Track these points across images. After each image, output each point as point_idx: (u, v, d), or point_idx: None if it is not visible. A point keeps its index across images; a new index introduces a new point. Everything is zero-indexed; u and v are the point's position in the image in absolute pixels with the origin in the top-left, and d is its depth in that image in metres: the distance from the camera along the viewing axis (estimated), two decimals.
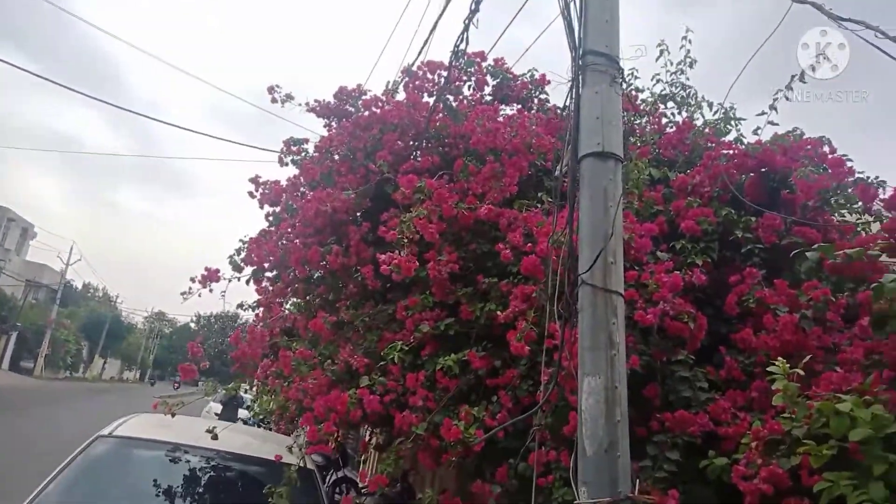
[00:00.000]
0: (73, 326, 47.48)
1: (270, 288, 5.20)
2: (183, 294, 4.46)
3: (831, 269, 2.73)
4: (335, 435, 8.47)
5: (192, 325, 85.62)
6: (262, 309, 5.31)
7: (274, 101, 5.15)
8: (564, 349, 2.36)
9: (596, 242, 2.05)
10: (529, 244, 3.30)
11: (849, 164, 3.32)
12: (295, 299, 5.31)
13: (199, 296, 4.45)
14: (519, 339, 2.89)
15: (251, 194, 5.22)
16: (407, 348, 3.68)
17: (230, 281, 4.69)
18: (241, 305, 5.39)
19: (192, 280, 4.45)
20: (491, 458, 3.60)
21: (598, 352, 2.02)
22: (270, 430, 7.40)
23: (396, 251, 3.70)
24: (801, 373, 2.24)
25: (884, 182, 3.21)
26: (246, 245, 4.84)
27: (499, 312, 3.28)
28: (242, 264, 4.74)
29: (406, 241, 3.58)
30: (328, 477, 9.51)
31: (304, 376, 3.81)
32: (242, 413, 17.15)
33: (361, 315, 4.18)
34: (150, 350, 72.96)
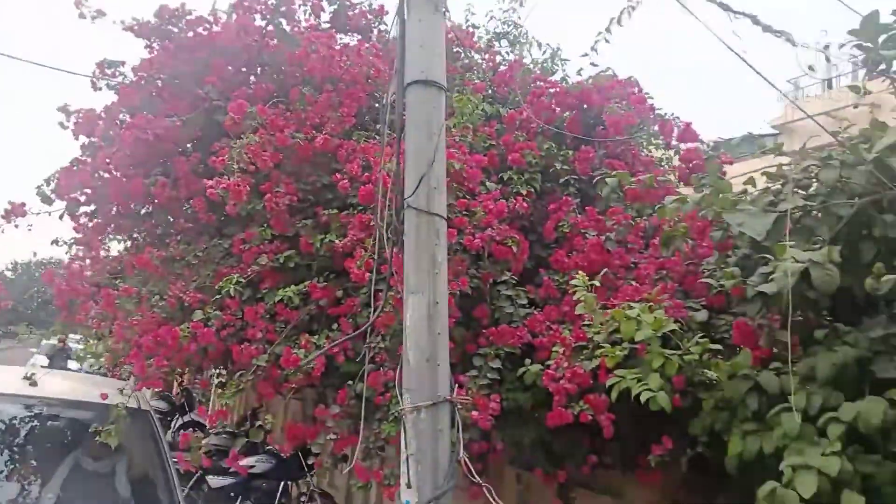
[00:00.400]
0: None
1: (90, 224, 4.77)
2: None
3: (631, 196, 3.09)
4: (179, 379, 8.15)
5: (9, 273, 75.64)
6: (81, 247, 4.87)
7: (82, 16, 4.57)
8: (394, 272, 2.47)
9: (420, 168, 2.14)
10: (367, 174, 3.34)
11: (650, 101, 3.73)
12: (118, 236, 4.92)
13: (3, 231, 3.98)
14: (359, 267, 2.96)
15: (62, 125, 4.68)
16: (244, 281, 3.62)
17: (39, 214, 4.24)
18: (55, 241, 4.89)
19: None
20: (333, 385, 3.71)
21: (422, 272, 2.14)
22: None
23: (227, 178, 3.56)
24: (598, 284, 2.55)
25: (678, 118, 3.64)
26: (56, 176, 4.36)
27: (338, 242, 3.32)
28: (53, 196, 4.28)
29: (237, 168, 3.44)
30: (174, 421, 9.18)
31: (129, 314, 3.60)
32: (72, 365, 15.81)
33: (194, 250, 4.00)
34: None
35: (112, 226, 4.74)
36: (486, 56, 4.90)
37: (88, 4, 4.42)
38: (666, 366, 2.49)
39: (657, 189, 3.01)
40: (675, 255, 3.00)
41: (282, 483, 6.74)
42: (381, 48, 4.21)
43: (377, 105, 4.14)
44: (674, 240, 2.87)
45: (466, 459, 2.09)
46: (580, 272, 2.56)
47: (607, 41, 4.40)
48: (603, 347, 2.66)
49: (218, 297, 3.56)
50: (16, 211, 4.03)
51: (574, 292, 2.60)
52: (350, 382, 3.41)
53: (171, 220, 4.48)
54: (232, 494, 6.52)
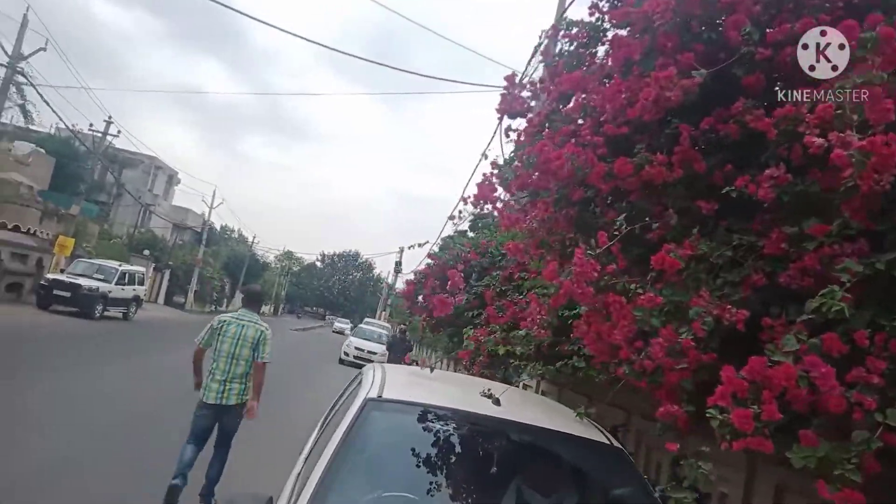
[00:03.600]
0: (216, 265, 50.73)
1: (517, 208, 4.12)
2: (451, 218, 3.52)
3: None
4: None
5: (318, 263, 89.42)
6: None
7: None
8: None
9: None
10: None
11: None
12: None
13: (471, 216, 3.46)
14: None
15: (504, 95, 4.12)
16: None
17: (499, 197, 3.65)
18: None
19: (464, 200, 3.47)
20: None
21: None
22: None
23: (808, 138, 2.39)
24: None
25: None
26: (514, 154, 3.76)
27: None
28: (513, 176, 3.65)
29: (848, 117, 2.26)
30: None
31: (674, 331, 2.66)
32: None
33: (723, 248, 2.95)
34: (282, 286, 77.13)
35: (550, 215, 3.99)
36: None
37: None
38: None
39: None
40: None
41: None
42: None
43: None
44: None
45: None
46: None
47: None
48: None
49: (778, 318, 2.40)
50: (485, 195, 3.46)
51: None
52: None
53: (646, 208, 3.53)
54: None
